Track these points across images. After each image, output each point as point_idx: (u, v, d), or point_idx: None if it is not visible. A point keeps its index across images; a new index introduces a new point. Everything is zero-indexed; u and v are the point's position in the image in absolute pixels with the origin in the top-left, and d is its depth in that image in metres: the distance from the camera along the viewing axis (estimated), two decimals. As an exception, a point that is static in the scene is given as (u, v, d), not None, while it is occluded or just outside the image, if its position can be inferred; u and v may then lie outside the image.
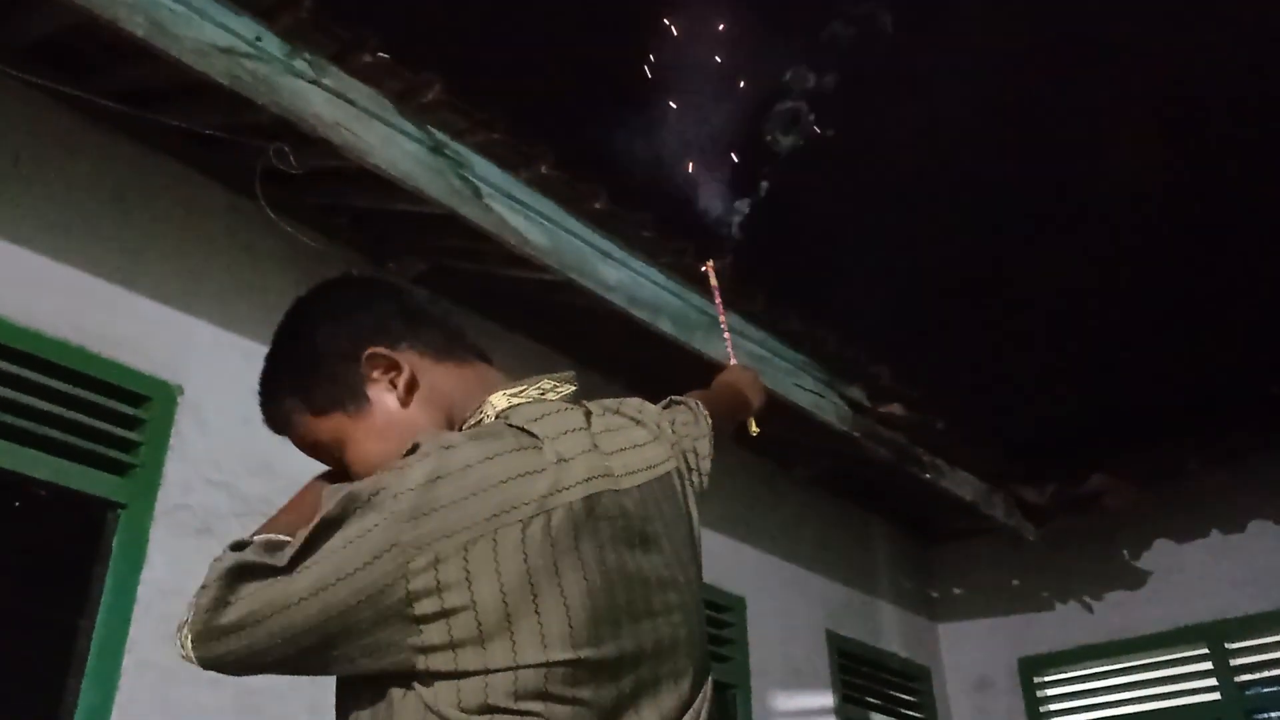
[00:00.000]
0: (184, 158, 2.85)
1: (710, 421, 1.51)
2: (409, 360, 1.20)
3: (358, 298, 1.25)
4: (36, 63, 2.52)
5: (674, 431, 1.34)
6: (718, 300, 2.25)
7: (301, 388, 1.20)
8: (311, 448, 1.24)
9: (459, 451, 1.04)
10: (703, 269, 2.25)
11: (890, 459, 4.18)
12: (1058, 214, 3.45)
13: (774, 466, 4.55)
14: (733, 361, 2.02)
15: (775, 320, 3.69)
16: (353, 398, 1.19)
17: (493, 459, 1.04)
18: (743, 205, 2.42)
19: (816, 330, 3.80)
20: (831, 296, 3.73)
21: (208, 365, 2.73)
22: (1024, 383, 4.31)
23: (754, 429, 1.86)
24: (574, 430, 1.13)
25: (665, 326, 3.28)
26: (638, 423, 1.25)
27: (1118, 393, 4.33)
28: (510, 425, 1.11)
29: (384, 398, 1.18)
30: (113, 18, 2.21)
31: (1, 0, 2.32)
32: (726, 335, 2.21)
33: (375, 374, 1.19)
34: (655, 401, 1.41)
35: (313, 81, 2.52)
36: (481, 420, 1.16)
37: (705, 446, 1.46)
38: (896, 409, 4.13)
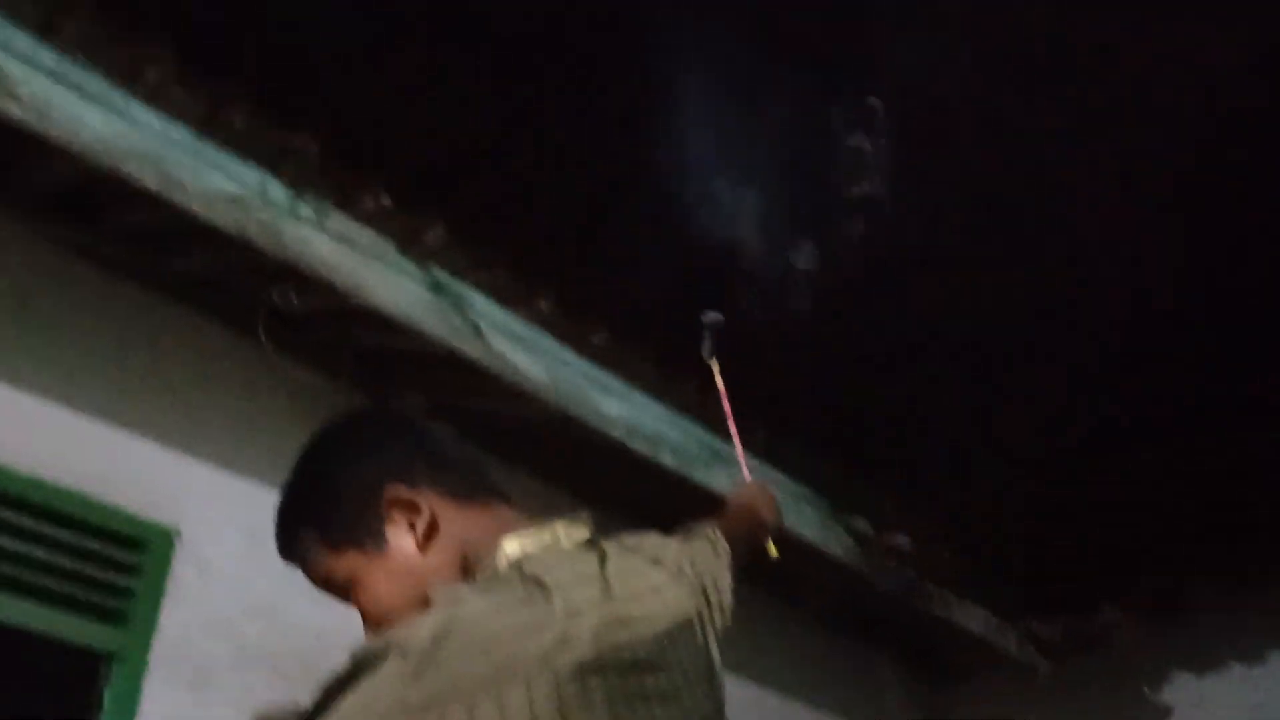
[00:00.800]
0: (188, 300, 2.89)
1: (729, 551, 1.47)
2: (429, 503, 1.19)
3: (380, 434, 1.24)
4: (45, 210, 2.58)
5: (694, 570, 1.31)
6: (726, 406, 2.09)
7: (320, 522, 1.20)
8: (324, 583, 1.22)
9: (468, 606, 1.03)
10: (711, 364, 2.07)
11: (898, 592, 4.12)
12: (1055, 341, 3.47)
13: (779, 602, 4.47)
14: (746, 476, 1.94)
15: (774, 451, 3.68)
16: (371, 537, 1.18)
17: (500, 613, 1.03)
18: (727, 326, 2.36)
19: (817, 461, 3.78)
20: (831, 427, 3.73)
21: (207, 507, 2.71)
22: (1031, 512, 4.27)
23: (773, 552, 1.78)
24: (586, 578, 1.11)
25: (666, 460, 3.27)
26: (657, 563, 1.22)
27: (1126, 521, 4.29)
28: (522, 573, 1.09)
29: (402, 540, 1.18)
30: (125, 170, 2.27)
31: (14, 153, 2.39)
32: (738, 444, 2.07)
33: (395, 515, 1.18)
34: (665, 533, 1.39)
35: (317, 226, 2.58)
36: (495, 566, 1.14)
37: (726, 581, 1.41)
38: (902, 541, 4.08)
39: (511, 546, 1.15)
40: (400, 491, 1.19)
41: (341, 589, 1.22)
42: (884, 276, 3.11)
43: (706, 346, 2.10)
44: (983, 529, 4.29)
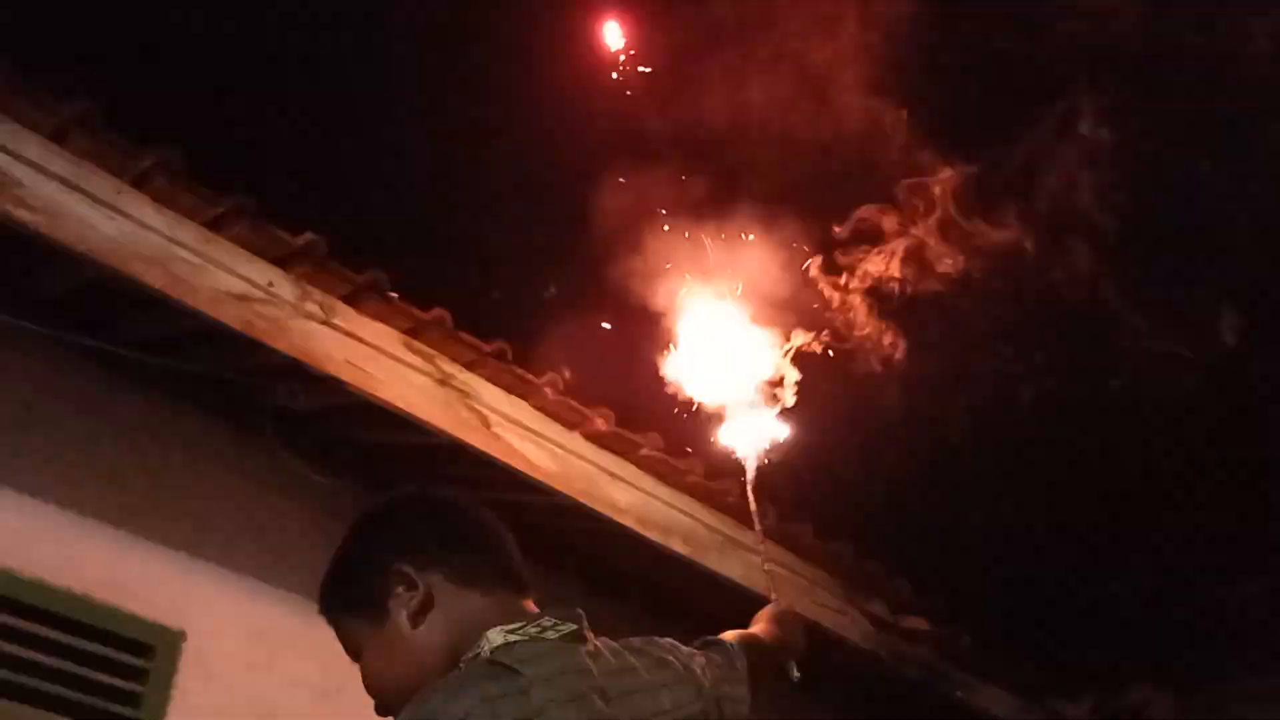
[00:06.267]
0: (195, 400, 2.89)
1: (746, 665, 1.48)
2: (431, 582, 1.25)
3: (409, 516, 1.33)
4: (52, 315, 2.60)
5: (707, 676, 1.32)
6: (757, 527, 2.17)
7: (338, 588, 1.30)
8: (346, 649, 1.31)
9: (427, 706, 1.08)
10: (747, 488, 2.16)
11: (918, 676, 4.03)
12: (1080, 416, 3.46)
13: (798, 689, 4.37)
14: (773, 597, 1.97)
15: (789, 535, 3.64)
16: (374, 607, 1.25)
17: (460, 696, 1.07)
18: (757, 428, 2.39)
19: (832, 544, 3.74)
20: (845, 510, 3.70)
21: (213, 608, 2.67)
22: (1052, 590, 4.20)
23: (795, 674, 1.80)
24: (568, 673, 1.13)
25: (677, 546, 3.24)
26: (662, 663, 1.24)
27: (1152, 599, 4.21)
28: (497, 663, 1.12)
29: (399, 614, 1.24)
30: (133, 272, 2.30)
31: (24, 258, 2.42)
32: (767, 568, 2.15)
33: (399, 589, 1.25)
34: (685, 633, 1.41)
35: (323, 322, 2.60)
36: (478, 654, 1.17)
37: (740, 693, 1.43)
38: (920, 623, 4.01)
39: (495, 636, 1.18)
40: (404, 568, 1.25)
41: (356, 658, 1.29)
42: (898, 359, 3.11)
43: (748, 474, 2.15)
44: (1003, 608, 4.21)
